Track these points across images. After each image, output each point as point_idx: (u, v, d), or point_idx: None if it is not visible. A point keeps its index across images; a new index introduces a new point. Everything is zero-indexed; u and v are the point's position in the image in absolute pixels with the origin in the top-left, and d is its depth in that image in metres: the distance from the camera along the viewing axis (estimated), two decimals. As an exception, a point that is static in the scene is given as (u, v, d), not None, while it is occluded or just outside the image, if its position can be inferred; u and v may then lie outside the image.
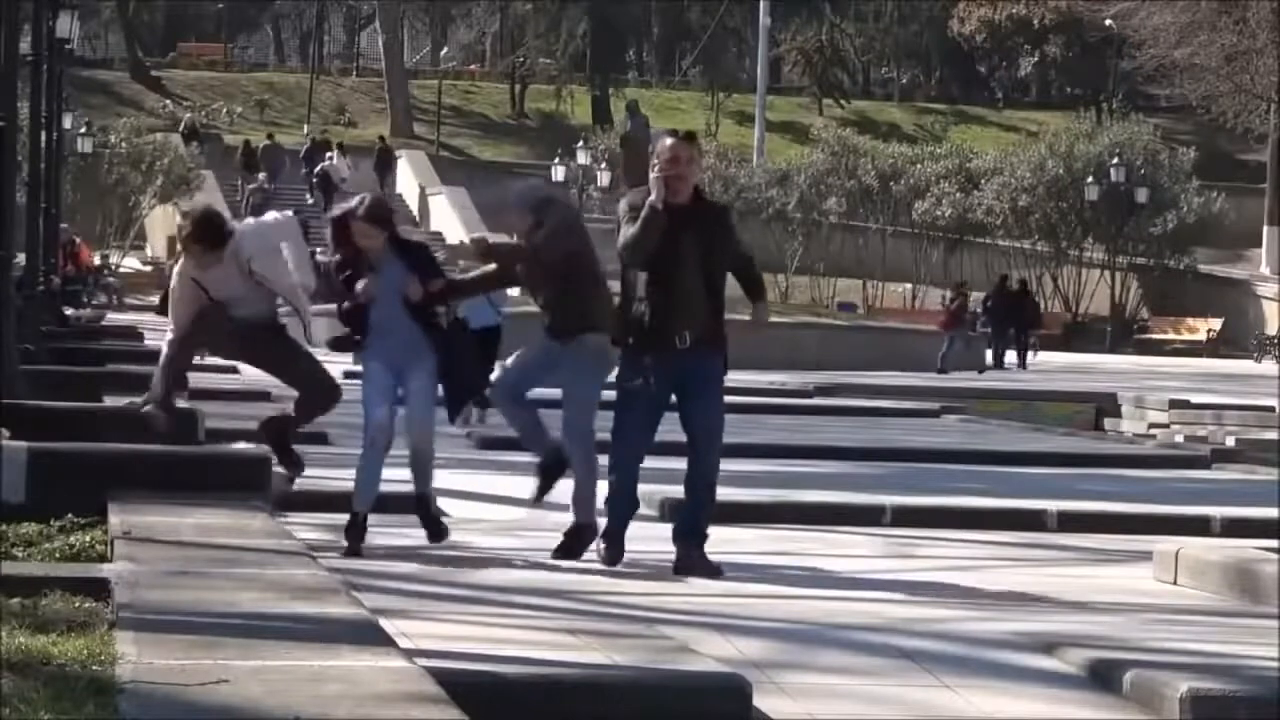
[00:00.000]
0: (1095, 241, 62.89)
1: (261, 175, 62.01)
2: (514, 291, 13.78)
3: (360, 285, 10.81)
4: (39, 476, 8.28)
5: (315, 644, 5.12)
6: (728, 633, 8.35)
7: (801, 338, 39.29)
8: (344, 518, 11.70)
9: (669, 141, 10.53)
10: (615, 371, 10.54)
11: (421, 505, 10.93)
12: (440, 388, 10.95)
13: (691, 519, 10.50)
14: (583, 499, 10.65)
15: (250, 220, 13.16)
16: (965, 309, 44.32)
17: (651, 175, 10.36)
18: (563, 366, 10.69)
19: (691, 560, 10.27)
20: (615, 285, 10.78)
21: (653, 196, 10.29)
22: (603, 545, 10.43)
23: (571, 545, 10.54)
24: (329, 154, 65.90)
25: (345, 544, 10.36)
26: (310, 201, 64.20)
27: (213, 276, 12.10)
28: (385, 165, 66.24)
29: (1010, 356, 45.06)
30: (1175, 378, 39.79)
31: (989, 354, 44.46)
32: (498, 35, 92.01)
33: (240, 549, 6.87)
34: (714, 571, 10.19)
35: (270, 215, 13.00)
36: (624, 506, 10.51)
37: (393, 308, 10.74)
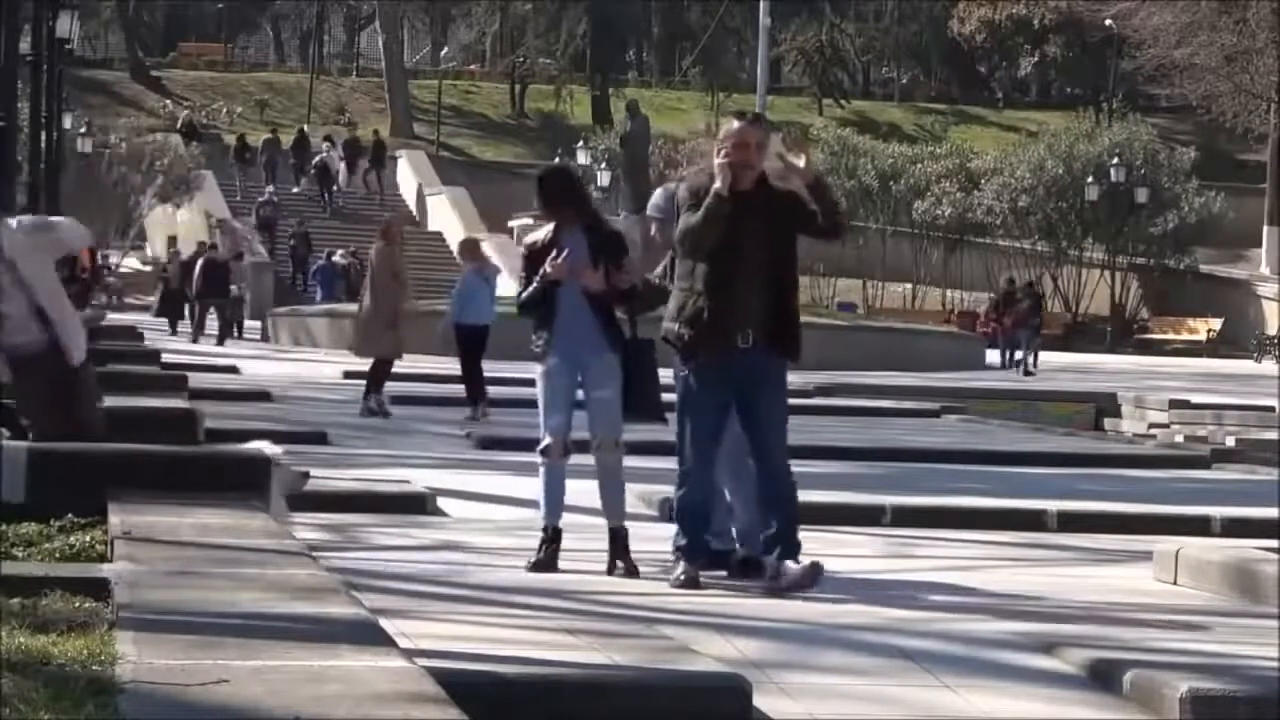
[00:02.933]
0: (1095, 241, 62.90)
1: (270, 189, 62.03)
2: None
3: (551, 262, 10.04)
4: (39, 476, 8.28)
5: (315, 644, 5.12)
6: (728, 633, 8.35)
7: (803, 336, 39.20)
8: (344, 518, 11.72)
9: (736, 124, 9.73)
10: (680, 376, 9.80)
11: (615, 540, 10.11)
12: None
13: (781, 533, 9.64)
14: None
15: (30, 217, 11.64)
16: (1037, 310, 44.52)
17: (716, 160, 9.60)
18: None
19: (789, 575, 9.49)
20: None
21: (717, 183, 9.55)
22: (679, 568, 9.69)
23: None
24: (325, 145, 66.24)
25: (539, 558, 9.94)
26: (297, 190, 64.48)
27: None
28: (378, 159, 66.42)
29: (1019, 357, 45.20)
30: (1175, 378, 39.78)
31: (998, 355, 44.58)
32: (498, 35, 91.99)
33: (240, 549, 6.86)
34: (816, 573, 9.51)
35: (63, 219, 11.76)
36: (698, 522, 9.80)
37: (577, 298, 10.05)
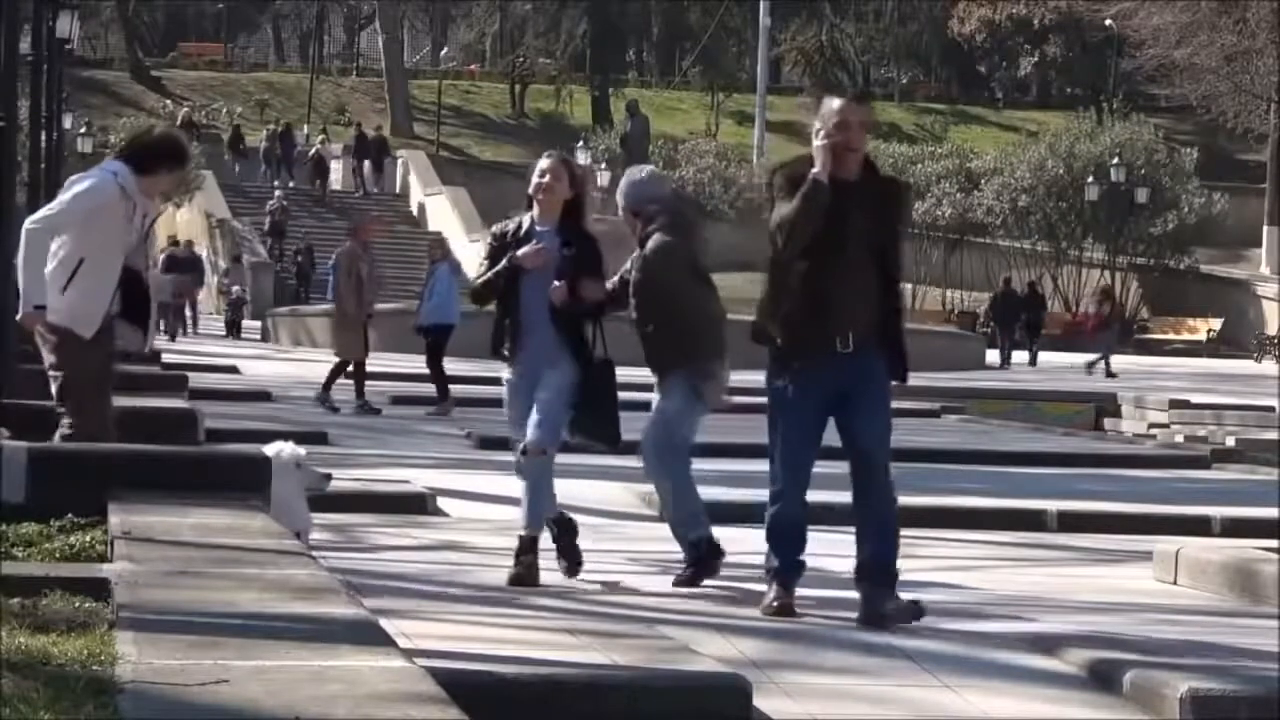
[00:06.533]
0: (1095, 241, 62.88)
1: (279, 193, 62.07)
2: None
3: (524, 249, 9.54)
4: (39, 476, 8.27)
5: (315, 644, 5.11)
6: (728, 633, 8.35)
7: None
8: (344, 518, 11.70)
9: (838, 103, 8.64)
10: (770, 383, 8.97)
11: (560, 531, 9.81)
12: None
13: (878, 559, 8.70)
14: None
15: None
16: (1117, 315, 44.74)
17: (815, 142, 8.60)
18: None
19: (885, 609, 8.58)
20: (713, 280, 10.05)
21: (816, 168, 8.56)
22: (771, 592, 8.85)
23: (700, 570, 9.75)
24: (319, 139, 66.43)
25: (515, 571, 9.46)
26: (288, 186, 64.54)
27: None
28: (366, 153, 66.45)
29: (1018, 356, 45.35)
30: (1175, 378, 39.78)
31: (997, 355, 44.67)
32: (498, 35, 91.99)
33: (240, 549, 6.86)
34: (916, 614, 8.61)
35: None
36: (791, 543, 8.86)
37: (541, 296, 9.53)
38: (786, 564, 8.81)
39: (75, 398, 10.16)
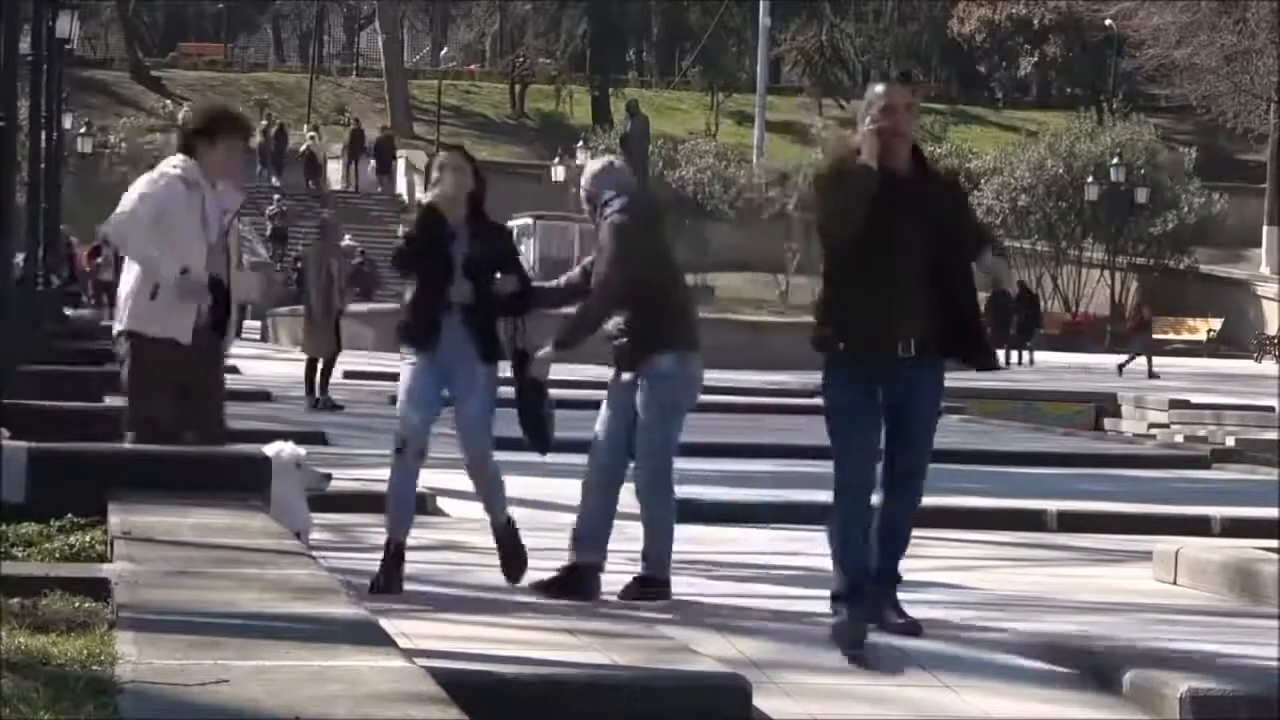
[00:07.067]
0: (1095, 241, 62.89)
1: (277, 197, 62.07)
2: None
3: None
4: (39, 476, 8.27)
5: (315, 644, 5.11)
6: (728, 633, 8.35)
7: (802, 338, 39.30)
8: (344, 518, 11.67)
9: (881, 87, 8.27)
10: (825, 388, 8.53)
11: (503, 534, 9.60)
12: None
13: (889, 564, 8.44)
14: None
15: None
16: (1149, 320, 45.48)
17: (861, 128, 8.21)
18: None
19: (884, 613, 8.30)
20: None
21: (862, 155, 8.13)
22: (839, 618, 8.27)
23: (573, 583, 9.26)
24: (310, 135, 66.49)
25: (380, 581, 9.13)
26: (277, 182, 64.53)
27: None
28: (361, 151, 66.45)
29: (1013, 356, 45.32)
30: (1175, 378, 39.78)
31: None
32: (498, 35, 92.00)
33: (240, 549, 6.86)
34: (913, 628, 8.27)
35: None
36: (856, 562, 8.32)
37: (458, 278, 9.19)
38: (856, 586, 8.28)
39: (148, 409, 9.60)
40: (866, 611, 8.25)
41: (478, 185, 9.39)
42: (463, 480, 13.61)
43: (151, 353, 9.42)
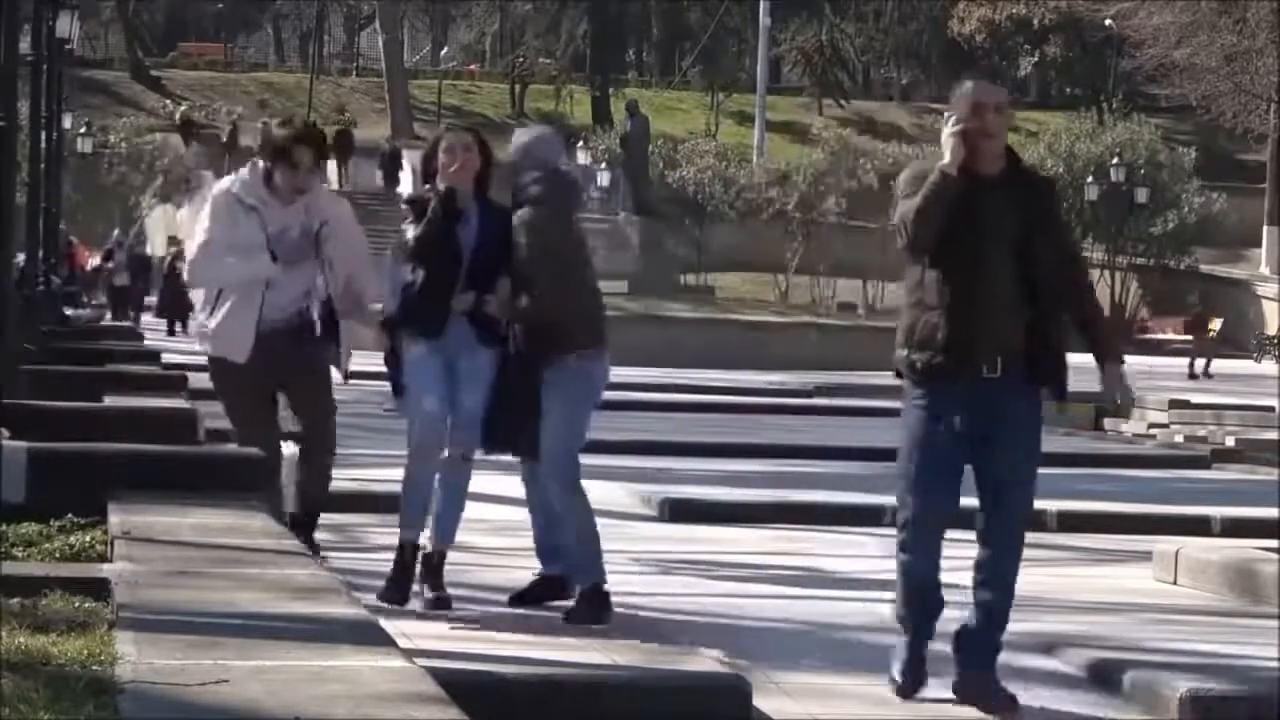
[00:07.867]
0: (1095, 241, 62.87)
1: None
2: None
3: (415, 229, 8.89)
4: (39, 476, 8.27)
5: (315, 644, 5.11)
6: (728, 633, 8.35)
7: (802, 337, 39.36)
8: (344, 518, 11.65)
9: (969, 85, 7.48)
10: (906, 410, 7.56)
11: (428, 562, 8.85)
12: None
13: (984, 631, 7.40)
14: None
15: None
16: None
17: (946, 131, 7.43)
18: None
19: (984, 688, 7.32)
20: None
21: (945, 159, 7.40)
22: (898, 671, 7.50)
23: (541, 594, 8.81)
24: None
25: (386, 590, 8.69)
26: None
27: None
28: (349, 152, 66.15)
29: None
30: (1175, 378, 39.79)
31: None
32: (498, 35, 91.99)
33: (240, 549, 6.86)
34: (1010, 703, 7.26)
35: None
36: (924, 605, 7.50)
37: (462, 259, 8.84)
38: (921, 635, 7.48)
39: (234, 423, 9.88)
40: (923, 672, 7.51)
41: (485, 164, 9.02)
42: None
43: (217, 369, 9.79)
